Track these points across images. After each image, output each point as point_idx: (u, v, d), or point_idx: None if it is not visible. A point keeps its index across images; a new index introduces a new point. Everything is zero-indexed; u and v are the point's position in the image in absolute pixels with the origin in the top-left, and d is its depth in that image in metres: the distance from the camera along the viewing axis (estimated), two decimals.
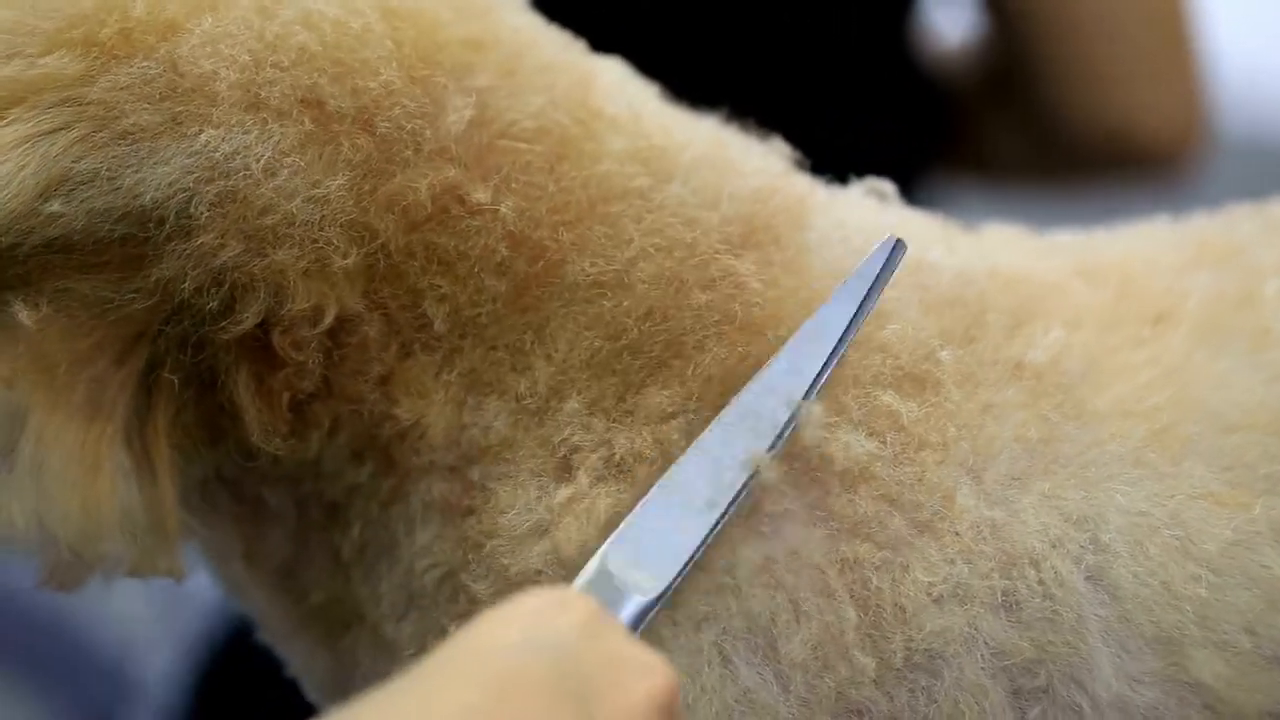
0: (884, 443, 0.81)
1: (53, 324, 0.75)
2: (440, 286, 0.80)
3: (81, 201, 0.75)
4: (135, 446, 0.77)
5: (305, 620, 0.86)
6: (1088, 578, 0.81)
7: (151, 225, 0.76)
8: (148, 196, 0.75)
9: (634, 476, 0.80)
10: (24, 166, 0.74)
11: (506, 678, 0.63)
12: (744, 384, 0.80)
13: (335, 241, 0.77)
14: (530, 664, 0.64)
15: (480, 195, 0.80)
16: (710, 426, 0.78)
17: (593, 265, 0.80)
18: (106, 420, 0.76)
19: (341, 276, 0.78)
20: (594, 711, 0.63)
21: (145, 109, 0.76)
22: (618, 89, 0.86)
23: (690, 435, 0.80)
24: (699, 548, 0.77)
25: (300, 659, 0.88)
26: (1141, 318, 0.86)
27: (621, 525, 0.76)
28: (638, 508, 0.77)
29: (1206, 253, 0.89)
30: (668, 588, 0.76)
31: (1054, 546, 0.81)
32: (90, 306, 0.76)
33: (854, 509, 0.80)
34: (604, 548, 0.76)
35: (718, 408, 0.80)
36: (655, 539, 0.76)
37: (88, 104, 0.75)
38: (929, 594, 0.80)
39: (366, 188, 0.78)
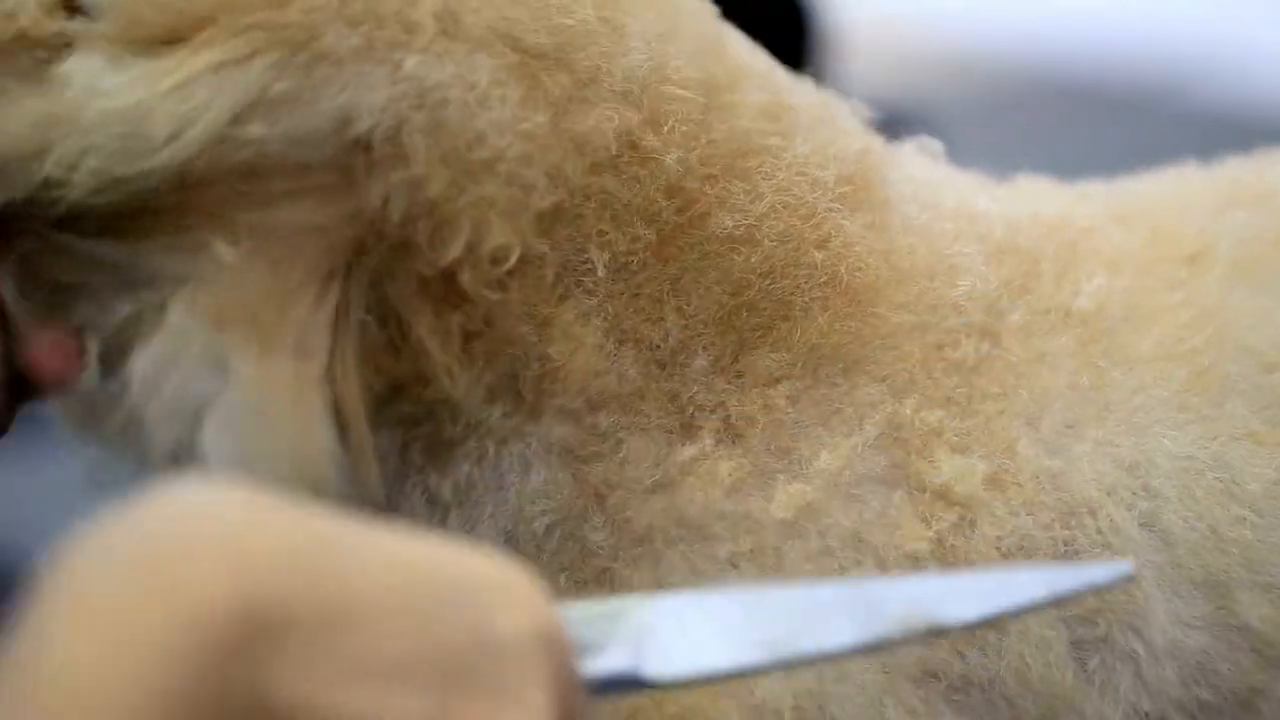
0: (953, 399, 0.82)
1: (254, 261, 0.72)
2: (606, 232, 0.78)
3: (281, 124, 0.71)
4: (333, 386, 0.74)
5: None
6: (1141, 524, 0.82)
7: (359, 152, 0.73)
8: (358, 122, 0.72)
9: (746, 441, 0.80)
10: (219, 92, 0.71)
11: (433, 637, 0.55)
12: (840, 355, 0.81)
13: (537, 181, 0.75)
14: (460, 636, 0.55)
15: (652, 142, 0.78)
16: (830, 584, 0.67)
17: (731, 219, 0.80)
18: (309, 361, 0.73)
19: (533, 216, 0.76)
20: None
21: (343, 32, 0.72)
22: (742, 39, 0.85)
23: (794, 402, 0.80)
24: (725, 675, 0.63)
25: None
26: (1176, 259, 0.87)
27: (678, 594, 0.64)
28: (707, 594, 0.64)
29: (1239, 194, 0.90)
30: (664, 682, 0.62)
31: (1109, 494, 0.82)
32: (288, 240, 0.73)
33: (932, 468, 0.81)
34: (637, 603, 0.63)
35: (816, 376, 0.80)
36: (694, 632, 0.63)
37: (283, 26, 0.72)
38: (997, 548, 0.81)
39: (563, 126, 0.76)
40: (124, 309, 0.75)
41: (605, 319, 0.79)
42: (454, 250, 0.74)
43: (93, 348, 0.76)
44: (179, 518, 0.52)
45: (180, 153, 0.71)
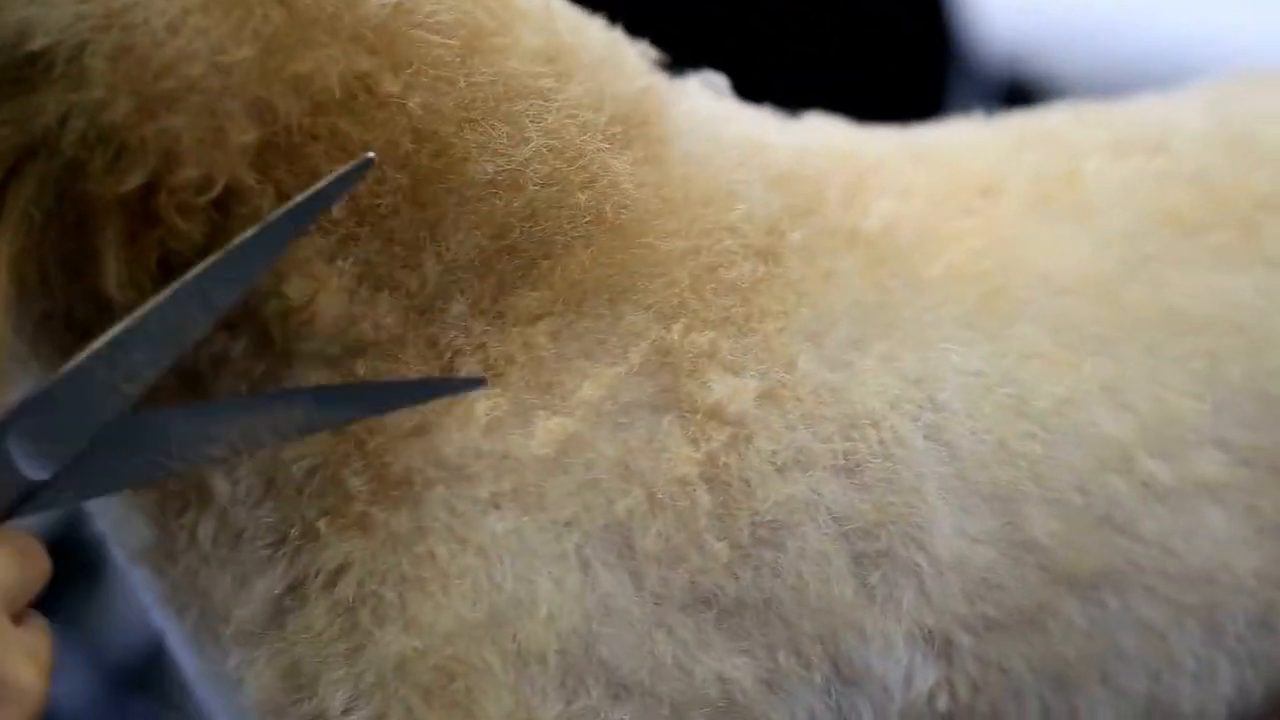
0: (728, 319, 0.81)
1: None
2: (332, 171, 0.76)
3: None
4: None
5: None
6: (926, 436, 0.82)
7: (37, 66, 0.72)
8: (37, 39, 0.71)
9: (507, 379, 0.79)
10: None
11: None
12: (605, 287, 0.80)
13: (234, 114, 0.74)
14: None
15: (390, 87, 0.77)
16: (134, 315, 0.73)
17: (492, 165, 0.79)
18: None
19: (237, 150, 0.74)
20: None
21: None
22: None
23: (556, 338, 0.80)
24: (92, 439, 0.73)
25: (116, 518, 0.85)
26: (970, 190, 0.88)
27: (34, 394, 0.72)
28: (49, 381, 0.72)
29: (1027, 137, 0.91)
30: (53, 478, 0.72)
31: (893, 406, 0.82)
32: None
33: (703, 389, 0.80)
34: (5, 419, 0.71)
35: (580, 311, 0.80)
36: (65, 416, 0.72)
37: None
38: (772, 463, 0.80)
39: (273, 64, 0.74)
40: None
41: (355, 263, 0.78)
42: (135, 179, 0.73)
43: None
44: None
45: None
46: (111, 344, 0.72)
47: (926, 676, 0.83)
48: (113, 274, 0.75)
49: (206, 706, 0.89)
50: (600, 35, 0.85)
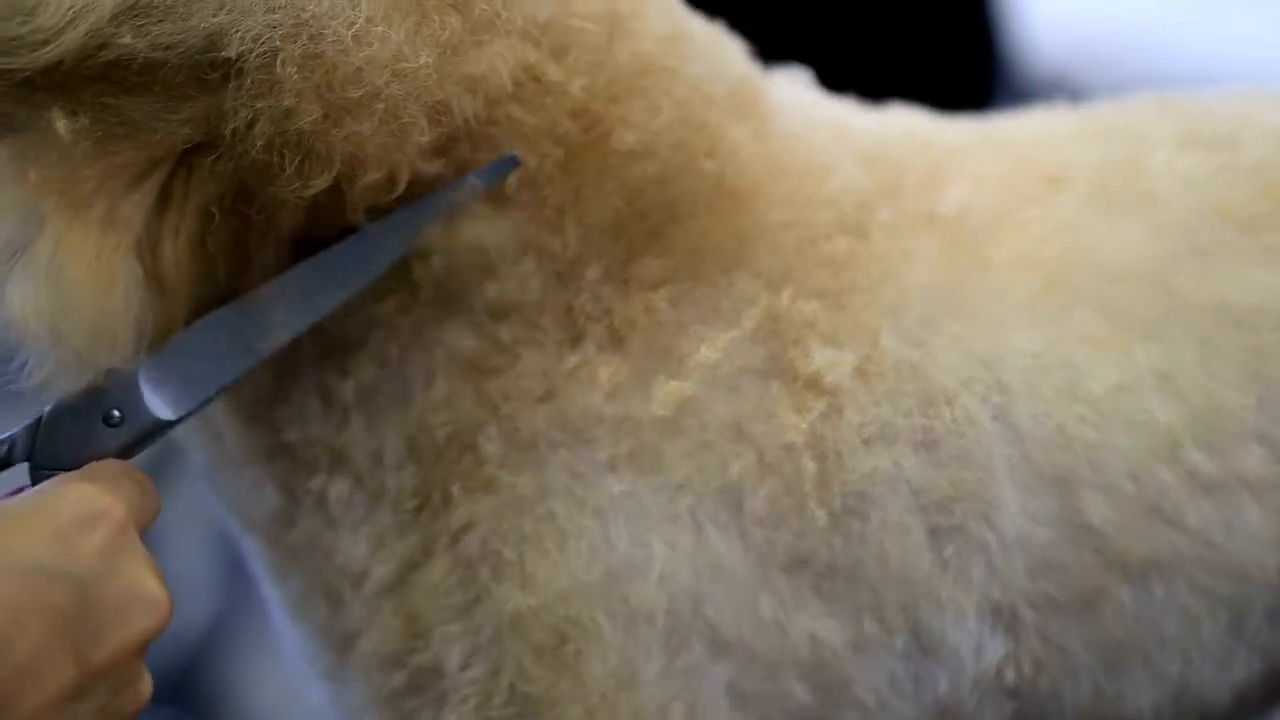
0: (825, 291, 0.85)
1: (86, 136, 0.73)
2: (509, 149, 0.81)
3: (151, 34, 0.72)
4: (147, 260, 0.76)
5: (271, 453, 0.85)
6: (994, 416, 0.85)
7: (228, 72, 0.73)
8: (228, 46, 0.73)
9: (629, 344, 0.83)
10: None
11: (21, 608, 0.66)
12: (721, 253, 0.84)
13: (415, 117, 0.76)
14: (47, 595, 0.66)
15: (555, 74, 0.82)
16: (279, 279, 0.78)
17: (632, 135, 0.83)
18: (121, 233, 0.74)
19: (415, 149, 0.78)
20: (91, 656, 0.67)
21: None
22: None
23: (675, 304, 0.83)
24: (221, 390, 0.77)
25: (241, 488, 0.87)
26: (1036, 180, 0.91)
27: (179, 335, 0.77)
28: (186, 331, 0.77)
29: (1097, 128, 0.95)
30: (179, 419, 0.76)
31: (964, 386, 0.85)
32: (129, 126, 0.74)
33: (805, 359, 0.84)
34: (143, 359, 0.76)
35: (697, 277, 0.84)
36: (192, 367, 0.77)
37: None
38: (860, 436, 0.84)
39: (449, 68, 0.77)
40: None
41: (512, 225, 0.82)
42: (320, 183, 0.76)
43: None
44: None
45: (62, 49, 0.72)
46: (251, 303, 0.77)
47: (995, 649, 0.86)
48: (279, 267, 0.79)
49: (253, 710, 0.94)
50: (704, 25, 0.90)
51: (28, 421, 0.75)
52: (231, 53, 0.73)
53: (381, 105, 0.75)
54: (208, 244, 0.77)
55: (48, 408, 0.76)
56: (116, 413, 0.75)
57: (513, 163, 0.81)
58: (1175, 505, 0.87)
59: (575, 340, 0.83)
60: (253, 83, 0.73)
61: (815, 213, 0.86)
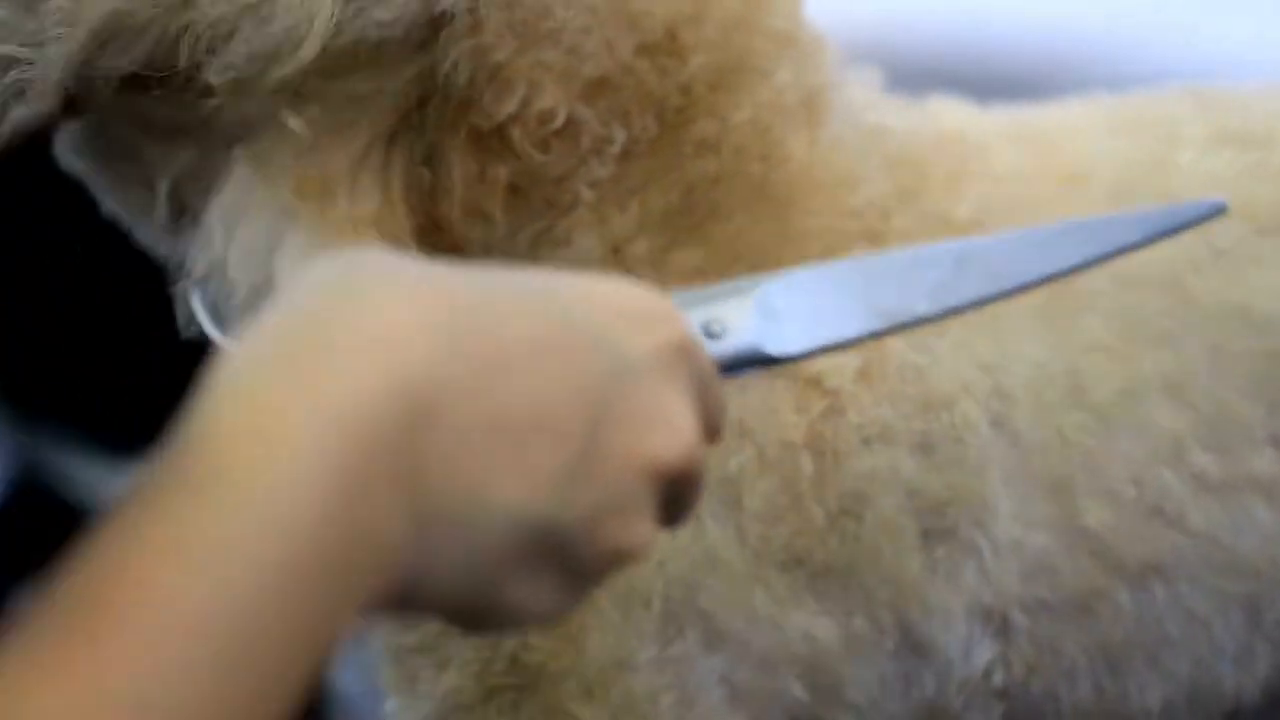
0: None
1: (318, 126, 0.78)
2: (630, 113, 0.82)
3: (373, 16, 0.76)
4: (378, 229, 0.79)
5: None
6: (992, 423, 0.85)
7: (440, 23, 0.77)
8: (441, 2, 0.77)
9: None
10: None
11: (550, 350, 0.56)
12: (751, 254, 0.84)
13: (589, 50, 0.80)
14: (583, 354, 0.57)
15: (687, 38, 0.83)
16: (930, 247, 0.71)
17: (710, 127, 0.84)
18: (363, 204, 0.78)
19: (580, 84, 0.80)
20: (599, 437, 0.57)
21: None
22: None
23: None
24: (846, 342, 0.69)
25: None
26: (1057, 177, 0.91)
27: (797, 273, 0.69)
28: (823, 268, 0.70)
29: (1130, 122, 0.94)
30: (790, 358, 0.68)
31: (965, 391, 0.85)
32: (355, 104, 0.78)
33: (812, 361, 0.82)
34: (764, 281, 0.68)
35: (727, 274, 0.81)
36: (816, 308, 0.68)
37: None
38: (859, 436, 0.84)
39: (622, 3, 0.80)
40: (188, 155, 0.80)
41: (599, 192, 0.83)
42: (509, 106, 0.79)
43: (161, 188, 0.81)
44: (324, 305, 0.53)
45: (307, 53, 0.76)
46: (878, 266, 0.70)
47: (984, 652, 0.86)
48: (460, 203, 0.80)
49: None
50: (813, 28, 0.90)
51: None
52: (445, 5, 0.77)
53: (567, 36, 0.79)
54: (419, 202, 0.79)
55: None
56: (718, 326, 0.67)
57: (1219, 209, 0.73)
58: (1179, 508, 0.87)
59: None
60: (461, 26, 0.78)
61: (843, 223, 0.86)
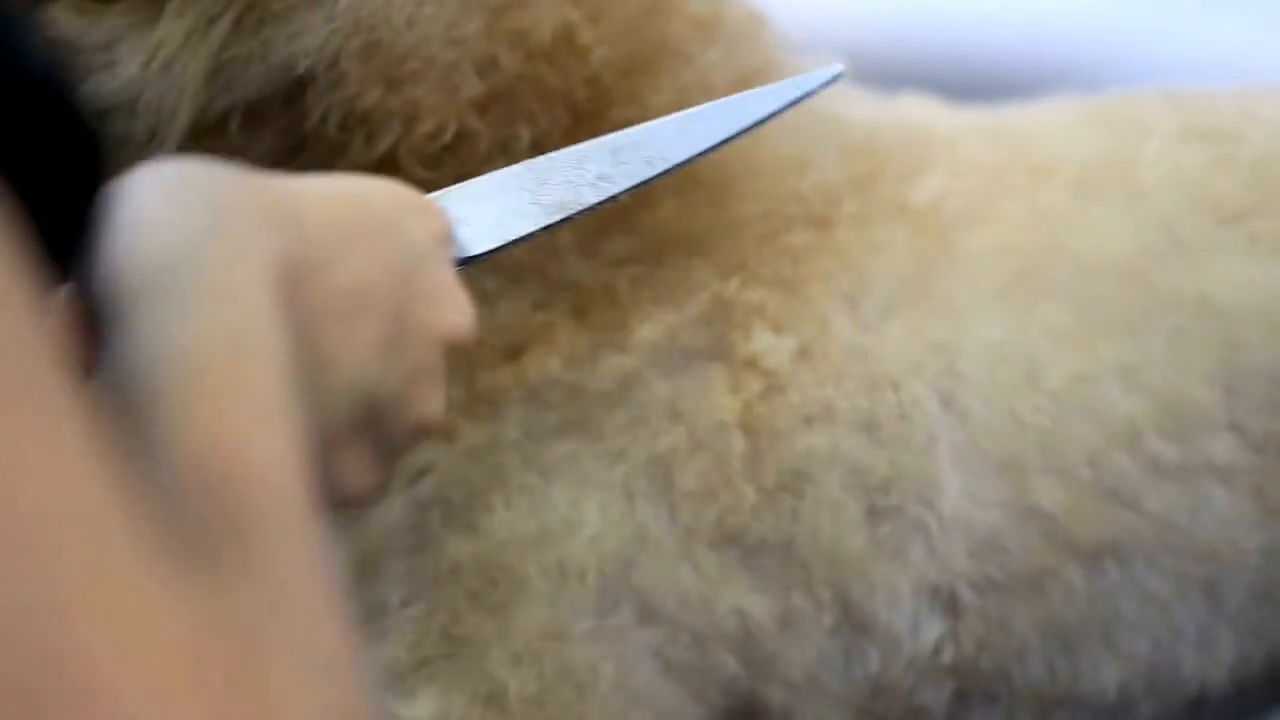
0: (780, 280, 0.87)
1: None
2: (535, 113, 0.84)
3: (238, 90, 0.80)
4: None
5: None
6: (941, 402, 0.86)
7: (303, 84, 0.81)
8: (301, 65, 0.80)
9: (589, 317, 0.85)
10: (191, 62, 0.79)
11: (358, 231, 0.62)
12: (685, 240, 0.86)
13: (465, 73, 0.82)
14: (383, 240, 0.63)
15: (586, 38, 0.84)
16: (589, 143, 0.76)
17: (630, 112, 0.84)
18: None
19: (465, 101, 0.82)
20: (406, 315, 0.62)
21: None
22: None
23: (635, 283, 0.85)
24: (525, 237, 0.73)
25: None
26: (1023, 169, 0.92)
27: (476, 181, 0.74)
28: (497, 174, 0.75)
29: (1101, 119, 0.95)
30: (477, 256, 0.72)
31: (913, 371, 0.86)
32: (235, 154, 0.77)
33: (746, 341, 0.86)
34: (448, 192, 0.73)
35: (659, 260, 0.86)
36: (495, 211, 0.73)
37: None
38: (800, 414, 0.86)
39: (499, 25, 0.82)
40: None
41: None
42: (385, 144, 0.82)
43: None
44: (217, 187, 0.56)
45: (180, 125, 0.79)
46: (541, 165, 0.75)
47: (932, 629, 0.87)
48: None
49: None
50: (749, 9, 0.91)
51: None
52: (302, 68, 0.80)
53: (435, 70, 0.82)
54: None
55: None
56: None
57: (837, 76, 0.79)
58: (1134, 490, 0.88)
59: (545, 303, 0.85)
60: (324, 83, 0.81)
61: (783, 206, 0.88)
